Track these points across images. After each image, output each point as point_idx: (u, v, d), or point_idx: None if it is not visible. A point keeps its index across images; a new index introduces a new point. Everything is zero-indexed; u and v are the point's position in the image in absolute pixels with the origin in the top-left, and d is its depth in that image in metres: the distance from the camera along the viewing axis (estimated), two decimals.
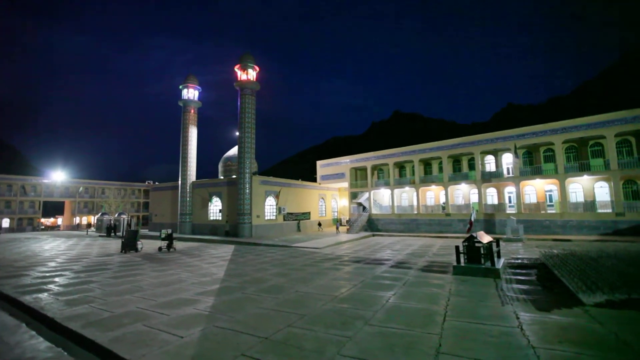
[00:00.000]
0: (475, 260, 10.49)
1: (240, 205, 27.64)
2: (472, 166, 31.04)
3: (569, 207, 24.04)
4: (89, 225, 53.42)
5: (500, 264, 10.58)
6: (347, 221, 35.39)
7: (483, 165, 30.43)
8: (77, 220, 57.28)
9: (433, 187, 32.48)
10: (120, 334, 5.48)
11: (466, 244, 10.75)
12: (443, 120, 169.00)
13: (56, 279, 10.65)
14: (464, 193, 31.52)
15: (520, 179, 26.30)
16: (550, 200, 26.64)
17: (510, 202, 28.44)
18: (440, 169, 32.84)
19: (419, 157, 32.68)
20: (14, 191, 50.05)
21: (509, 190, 28.57)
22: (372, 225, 33.54)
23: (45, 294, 8.59)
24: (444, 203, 31.31)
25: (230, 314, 6.52)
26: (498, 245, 11.82)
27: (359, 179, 39.20)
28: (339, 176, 39.01)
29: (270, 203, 30.46)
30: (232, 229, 28.78)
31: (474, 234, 10.79)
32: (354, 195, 37.61)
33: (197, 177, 35.16)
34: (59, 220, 59.09)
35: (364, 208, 35.43)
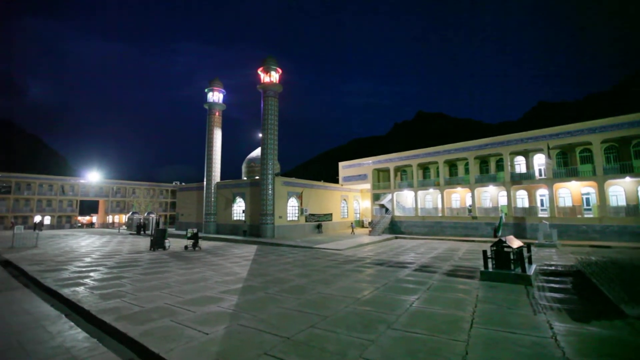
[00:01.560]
0: (504, 266, 10.05)
1: (263, 206, 28.06)
2: (500, 167, 29.80)
3: (608, 212, 22.50)
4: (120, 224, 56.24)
5: (531, 270, 10.07)
6: (370, 223, 35.04)
7: (512, 166, 29.14)
8: (110, 218, 60.43)
9: (458, 189, 31.51)
10: (150, 328, 5.70)
11: (494, 248, 10.32)
12: (469, 120, 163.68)
13: (91, 274, 11.26)
14: (492, 195, 30.32)
15: (554, 181, 24.94)
16: (588, 204, 25.07)
17: (542, 205, 27.04)
18: (466, 171, 31.79)
19: (443, 158, 31.81)
20: (55, 191, 53.62)
21: (541, 192, 27.17)
22: (395, 228, 33.00)
23: (82, 287, 9.10)
24: (470, 206, 30.29)
25: (253, 313, 6.62)
26: (529, 251, 11.27)
27: (382, 181, 38.72)
28: (361, 177, 38.71)
29: (292, 204, 30.72)
30: (252, 229, 29.27)
31: (503, 238, 10.34)
32: (376, 197, 37.19)
33: (222, 177, 36.08)
34: (94, 219, 62.56)
35: (387, 210, 34.94)
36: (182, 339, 5.20)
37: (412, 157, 34.11)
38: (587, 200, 25.19)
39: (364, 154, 47.51)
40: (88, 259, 15.13)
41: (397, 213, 33.99)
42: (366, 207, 42.60)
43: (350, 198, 40.93)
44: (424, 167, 36.34)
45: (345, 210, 39.86)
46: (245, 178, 36.94)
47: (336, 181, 41.31)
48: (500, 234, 12.07)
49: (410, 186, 34.24)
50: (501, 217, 13.50)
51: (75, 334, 5.10)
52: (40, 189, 52.15)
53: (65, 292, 8.50)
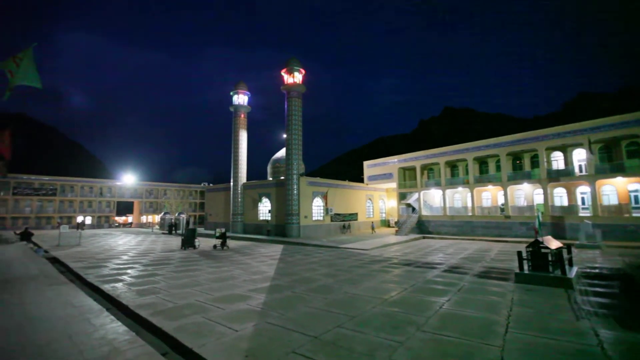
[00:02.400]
0: (541, 268, 9.50)
1: (288, 206, 28.36)
2: (535, 164, 28.23)
3: None
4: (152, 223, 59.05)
5: (572, 272, 9.46)
6: (396, 222, 34.47)
7: (549, 162, 27.50)
8: (144, 218, 63.61)
9: (490, 187, 30.21)
10: (183, 323, 5.92)
11: (530, 249, 9.79)
12: (500, 115, 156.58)
13: (128, 271, 11.89)
14: (527, 193, 28.79)
15: (597, 177, 23.25)
16: (636, 202, 23.16)
17: (583, 203, 25.30)
18: (498, 168, 30.42)
19: (473, 155, 30.63)
20: (95, 193, 57.30)
21: (582, 190, 25.43)
22: (422, 227, 32.22)
23: (120, 283, 9.63)
24: (502, 204, 28.95)
25: (281, 312, 6.69)
26: (570, 252, 10.58)
27: (408, 179, 37.94)
28: (386, 176, 38.15)
29: (317, 204, 30.83)
30: (277, 229, 29.65)
31: (540, 239, 9.78)
32: (402, 196, 36.50)
33: (248, 178, 36.88)
34: (130, 219, 66.09)
35: (414, 209, 34.19)
36: (213, 335, 5.36)
37: (439, 155, 33.15)
38: (636, 198, 23.28)
39: (389, 153, 46.79)
40: (125, 257, 15.99)
41: (424, 212, 33.17)
42: (392, 207, 41.92)
43: (376, 197, 40.46)
44: (452, 165, 35.19)
45: (371, 210, 39.45)
46: (270, 178, 37.54)
47: (361, 180, 40.99)
48: (540, 233, 11.43)
49: (437, 185, 33.30)
50: (538, 216, 12.73)
51: (116, 327, 5.41)
52: (82, 191, 55.87)
53: (106, 287, 9.03)
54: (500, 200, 29.85)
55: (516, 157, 30.16)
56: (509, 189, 28.34)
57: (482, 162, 32.86)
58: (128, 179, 59.80)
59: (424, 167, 36.07)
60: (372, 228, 34.44)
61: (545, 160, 26.36)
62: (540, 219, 12.03)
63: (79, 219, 53.73)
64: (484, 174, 31.97)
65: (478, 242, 24.47)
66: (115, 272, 11.71)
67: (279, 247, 21.04)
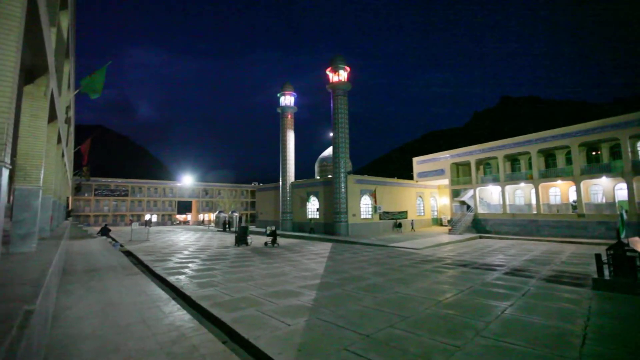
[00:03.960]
0: (626, 274, 8.29)
1: (336, 204, 28.44)
2: (617, 155, 24.78)
3: None
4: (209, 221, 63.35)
5: None
6: (449, 221, 32.73)
7: (635, 153, 23.89)
8: (201, 217, 68.54)
9: (558, 182, 27.21)
10: (239, 315, 6.24)
11: (612, 252, 8.59)
12: (569, 102, 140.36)
13: (189, 265, 12.88)
14: (606, 189, 25.41)
15: None
16: None
17: None
18: (568, 161, 27.30)
19: (537, 147, 27.83)
20: (159, 193, 63.23)
21: None
22: (479, 226, 30.15)
23: (183, 276, 10.47)
24: (574, 201, 25.91)
25: (332, 309, 6.72)
26: None
27: (461, 175, 35.79)
28: (437, 173, 36.41)
29: (365, 202, 30.48)
30: (326, 227, 29.86)
31: (625, 241, 8.54)
32: (455, 193, 34.55)
33: (296, 177, 37.71)
34: (189, 217, 71.67)
35: (468, 207, 32.17)
36: (267, 327, 5.56)
37: (497, 149, 30.72)
38: None
39: (440, 148, 44.49)
40: (186, 252, 17.36)
41: (480, 210, 31.03)
42: (444, 204, 39.86)
43: (427, 195, 38.80)
44: (513, 159, 32.37)
45: (422, 208, 37.94)
46: (318, 177, 37.99)
47: (411, 177, 39.65)
48: (623, 235, 9.87)
49: (495, 180, 30.89)
50: (621, 215, 11.01)
51: (182, 315, 5.89)
52: (148, 191, 62.00)
53: (171, 279, 9.89)
54: (572, 197, 26.76)
55: (591, 148, 26.78)
56: (583, 184, 25.22)
57: (548, 155, 29.76)
58: (187, 180, 65.02)
59: (479, 162, 33.73)
60: (412, 226, 33.16)
61: (629, 150, 22.97)
62: (625, 217, 10.51)
63: (147, 217, 59.63)
64: (551, 167, 28.90)
65: (545, 243, 22.21)
66: (178, 265, 12.76)
67: (328, 245, 21.20)
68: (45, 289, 3.65)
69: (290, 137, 37.67)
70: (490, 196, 33.34)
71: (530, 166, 29.48)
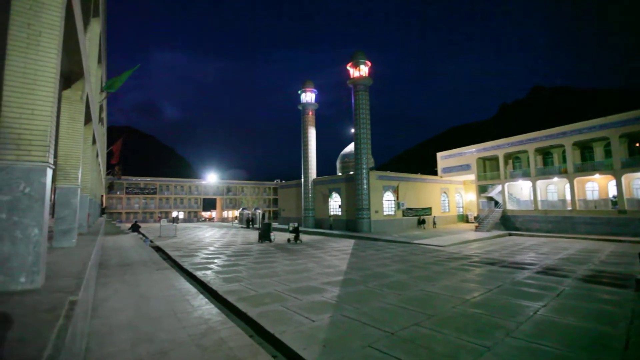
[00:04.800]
0: None
1: (359, 200, 28.28)
2: None
3: None
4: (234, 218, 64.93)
5: None
6: (475, 218, 31.71)
7: None
8: (225, 213, 70.36)
9: (596, 176, 25.62)
10: (264, 310, 6.37)
11: None
12: (608, 91, 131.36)
13: (215, 260, 13.26)
14: None
15: None
16: None
17: None
18: (607, 153, 25.62)
19: (572, 139, 26.29)
20: (185, 191, 65.52)
21: None
22: (508, 223, 29.00)
23: (209, 271, 10.80)
24: (614, 197, 24.30)
25: (355, 305, 6.71)
26: None
27: (488, 170, 34.51)
28: (463, 168, 35.29)
29: (388, 198, 30.11)
30: (348, 224, 29.77)
31: None
32: (482, 189, 33.39)
33: (318, 174, 37.80)
34: (213, 214, 73.74)
35: (496, 203, 31.02)
36: (292, 323, 5.64)
37: (527, 142, 29.32)
38: None
39: (464, 142, 43.07)
40: (212, 248, 17.89)
41: (509, 206, 29.82)
42: (470, 200, 38.65)
43: (452, 190, 37.76)
44: (545, 153, 30.80)
45: (447, 204, 36.98)
46: (340, 174, 37.90)
47: (435, 173, 38.71)
48: None
49: (526, 175, 29.55)
50: None
51: (210, 309, 6.10)
52: (175, 189, 64.38)
53: (199, 274, 10.24)
54: (612, 192, 25.12)
55: (634, 140, 24.94)
56: (624, 178, 23.59)
57: (584, 148, 28.06)
58: (211, 178, 66.99)
59: (507, 156, 32.36)
60: (434, 222, 32.37)
61: None
62: None
63: (174, 214, 61.96)
64: (588, 161, 27.24)
65: (581, 240, 21.04)
66: (205, 260, 13.18)
67: (350, 242, 21.15)
68: (86, 282, 3.89)
69: (312, 133, 37.75)
70: (520, 192, 31.94)
71: (564, 160, 27.92)
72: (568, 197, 27.20)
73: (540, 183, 29.06)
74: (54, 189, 6.44)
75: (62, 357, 1.89)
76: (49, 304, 2.66)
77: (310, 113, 37.97)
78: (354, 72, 30.37)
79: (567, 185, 27.10)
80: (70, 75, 6.59)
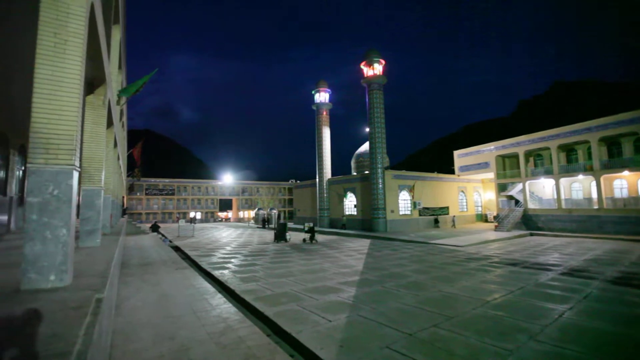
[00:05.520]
0: None
1: (374, 200, 28.07)
2: None
3: None
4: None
5: None
6: (495, 217, 30.87)
7: None
8: (241, 214, 71.31)
9: (625, 173, 24.43)
10: (281, 310, 6.41)
11: None
12: (636, 83, 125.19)
13: (232, 260, 13.45)
14: None
15: None
16: None
17: None
18: (638, 149, 24.42)
19: (598, 135, 25.18)
20: (202, 191, 66.85)
21: None
22: (529, 222, 28.10)
23: (227, 271, 10.96)
24: None
25: (372, 306, 6.65)
26: None
27: (508, 168, 33.54)
28: (481, 166, 34.44)
29: (404, 197, 29.75)
30: (364, 223, 29.57)
31: None
32: (502, 187, 32.49)
33: (332, 173, 37.77)
34: (229, 214, 74.86)
35: (517, 202, 30.10)
36: (308, 322, 5.65)
37: (550, 138, 28.31)
38: None
39: (481, 140, 42.03)
40: (229, 248, 18.16)
41: (531, 205, 28.89)
42: (489, 199, 37.70)
43: (469, 189, 36.93)
44: (568, 149, 29.63)
45: (464, 203, 36.20)
46: (354, 173, 37.74)
47: (451, 171, 37.95)
48: None
49: (548, 173, 28.55)
50: None
51: (228, 308, 6.19)
52: (192, 190, 65.78)
53: (216, 273, 10.41)
54: None
55: None
56: None
57: (611, 144, 26.81)
58: (227, 179, 68.08)
59: (528, 154, 31.35)
60: (453, 222, 31.77)
61: None
62: None
63: (191, 214, 63.31)
64: (616, 157, 26.02)
65: (608, 241, 20.15)
66: (222, 260, 13.39)
67: (366, 242, 21.02)
68: (110, 280, 4.02)
69: (326, 133, 37.76)
70: (542, 190, 30.87)
71: (589, 156, 26.78)
72: (594, 195, 26.08)
73: (563, 181, 28.00)
74: (79, 190, 6.70)
75: (90, 352, 1.96)
76: (77, 301, 2.77)
77: (325, 113, 37.97)
78: (367, 71, 30.17)
79: (593, 183, 26.00)
80: (93, 81, 6.83)
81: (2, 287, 3.21)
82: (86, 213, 6.64)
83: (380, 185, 27.94)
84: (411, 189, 29.91)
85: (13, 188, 12.30)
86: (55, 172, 3.24)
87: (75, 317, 2.36)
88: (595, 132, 25.24)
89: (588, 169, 25.92)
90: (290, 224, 41.08)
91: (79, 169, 3.59)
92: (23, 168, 13.49)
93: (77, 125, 3.44)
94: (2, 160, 11.43)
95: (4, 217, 11.38)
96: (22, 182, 13.43)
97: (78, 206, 7.33)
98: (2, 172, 11.50)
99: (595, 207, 24.95)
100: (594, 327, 5.46)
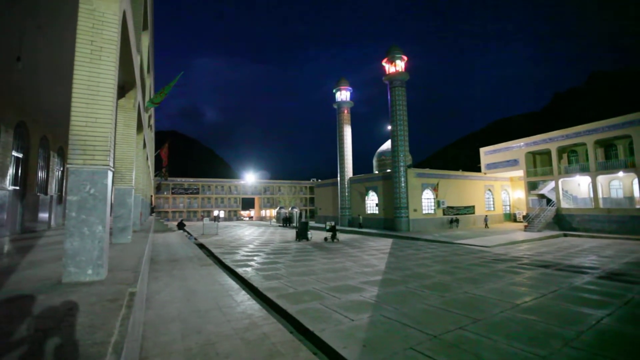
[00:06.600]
0: None
1: (396, 199, 27.65)
2: None
3: None
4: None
5: None
6: (524, 217, 29.56)
7: None
8: (263, 212, 72.43)
9: None
10: (303, 308, 6.46)
11: None
12: None
13: (255, 258, 13.70)
14: None
15: None
16: None
17: None
18: None
19: None
20: (225, 190, 68.49)
21: None
22: (562, 222, 26.68)
23: (249, 268, 11.18)
24: None
25: (395, 306, 6.57)
26: None
27: (539, 166, 31.98)
28: (510, 164, 33.07)
29: (427, 196, 29.11)
30: (386, 222, 29.18)
31: None
32: (532, 186, 31.04)
33: (354, 172, 37.55)
34: (252, 213, 76.23)
35: (549, 201, 28.66)
36: (331, 321, 5.66)
37: (586, 133, 26.70)
38: None
39: (510, 137, 40.33)
40: (251, 246, 18.51)
41: (564, 205, 27.41)
42: (518, 198, 36.14)
43: (497, 188, 35.56)
44: (607, 145, 27.81)
45: (491, 202, 34.90)
46: (376, 172, 37.35)
47: (478, 169, 36.69)
48: None
49: (584, 170, 26.96)
50: None
51: (252, 304, 6.32)
52: (216, 189, 67.55)
53: (240, 271, 10.64)
54: None
55: None
56: None
57: None
58: (249, 178, 69.35)
59: (562, 150, 29.74)
60: (486, 223, 30.63)
61: None
62: None
63: (215, 212, 65.04)
64: None
65: None
66: (245, 258, 13.67)
67: (389, 241, 20.76)
68: (141, 275, 4.21)
69: (347, 132, 37.59)
70: (577, 188, 29.21)
71: (631, 152, 24.99)
72: (636, 194, 24.36)
73: (601, 178, 26.34)
74: (112, 190, 7.06)
75: (125, 343, 2.06)
76: (112, 294, 2.92)
77: (346, 111, 37.80)
78: (389, 68, 29.73)
79: (636, 181, 24.29)
80: (124, 85, 7.17)
81: (46, 280, 3.45)
82: (118, 211, 6.99)
83: (403, 184, 27.48)
84: (435, 188, 29.19)
85: (53, 187, 13.16)
86: (92, 172, 3.44)
87: (111, 309, 2.50)
88: (638, 126, 23.52)
89: (630, 166, 24.21)
90: (311, 223, 41.25)
91: (113, 169, 3.78)
92: (61, 169, 14.40)
93: (111, 127, 3.62)
94: (43, 161, 12.26)
95: (45, 215, 12.21)
96: (60, 182, 14.34)
97: (111, 205, 7.74)
98: (44, 172, 12.34)
99: (638, 206, 23.29)
100: (636, 334, 5.11)
